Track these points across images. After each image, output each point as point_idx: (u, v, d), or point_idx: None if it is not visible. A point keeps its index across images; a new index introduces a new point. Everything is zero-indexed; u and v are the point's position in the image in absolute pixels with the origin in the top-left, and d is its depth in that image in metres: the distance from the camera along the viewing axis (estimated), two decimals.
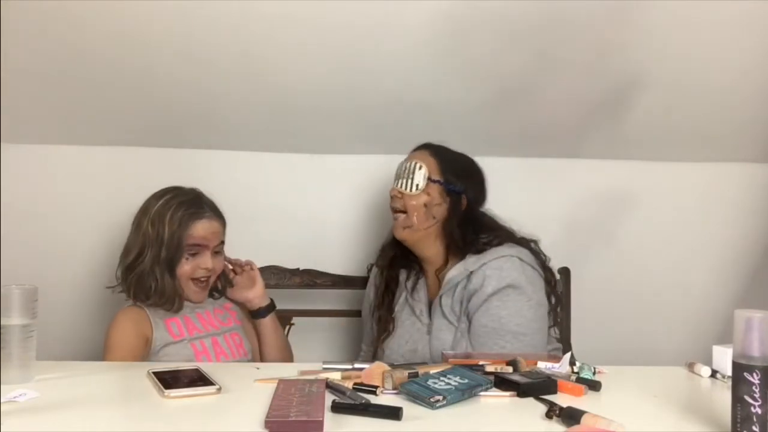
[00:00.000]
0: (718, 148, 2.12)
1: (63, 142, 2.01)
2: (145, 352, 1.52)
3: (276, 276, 2.01)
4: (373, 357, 1.67)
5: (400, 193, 1.64)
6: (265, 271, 2.01)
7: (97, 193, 2.07)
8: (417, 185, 1.62)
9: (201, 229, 1.56)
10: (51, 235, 2.05)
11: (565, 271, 1.96)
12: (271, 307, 1.69)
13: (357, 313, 2.07)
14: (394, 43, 1.73)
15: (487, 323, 1.53)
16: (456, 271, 1.59)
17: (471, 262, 1.58)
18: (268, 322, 1.68)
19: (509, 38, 1.71)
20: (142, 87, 1.85)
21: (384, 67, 1.80)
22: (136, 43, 1.71)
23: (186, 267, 1.56)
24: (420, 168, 1.62)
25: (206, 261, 1.58)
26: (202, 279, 1.59)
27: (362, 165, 2.15)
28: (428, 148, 1.69)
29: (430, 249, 1.66)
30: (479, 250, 1.60)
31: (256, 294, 1.66)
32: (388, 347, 1.65)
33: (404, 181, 1.63)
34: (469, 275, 1.57)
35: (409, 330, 1.63)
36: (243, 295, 1.66)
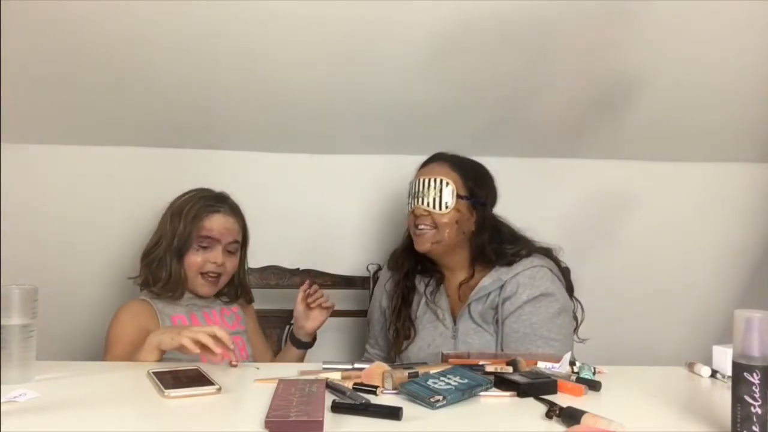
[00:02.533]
0: (718, 148, 2.13)
1: (63, 142, 2.01)
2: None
3: (276, 276, 2.01)
4: (392, 362, 1.68)
5: (427, 211, 1.61)
6: (265, 271, 2.02)
7: (97, 193, 2.07)
8: (446, 204, 1.60)
9: (214, 222, 1.61)
10: (51, 235, 2.05)
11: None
12: (310, 344, 1.72)
13: (357, 313, 2.07)
14: (394, 44, 1.73)
15: (519, 329, 1.56)
16: (489, 280, 1.61)
17: (503, 272, 1.61)
18: (296, 352, 1.71)
19: (509, 39, 1.71)
20: (142, 87, 1.85)
21: (384, 67, 1.80)
22: (136, 43, 1.71)
23: (196, 258, 1.60)
24: (447, 185, 1.60)
25: (216, 256, 1.60)
26: (212, 274, 1.61)
27: (362, 165, 2.16)
28: (446, 160, 1.66)
29: (455, 257, 1.67)
30: (509, 262, 1.62)
31: (312, 327, 1.67)
32: (409, 351, 1.66)
33: (431, 199, 1.60)
34: (503, 285, 1.59)
35: (432, 334, 1.64)
36: (302, 321, 1.67)
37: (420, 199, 1.62)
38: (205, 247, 1.60)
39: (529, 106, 1.96)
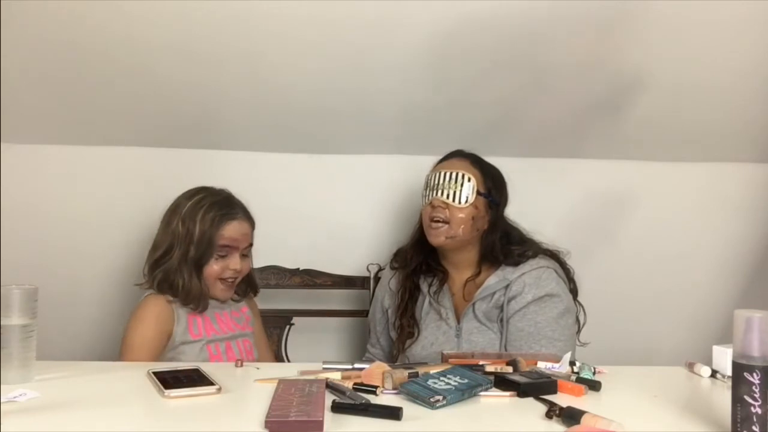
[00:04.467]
0: (718, 148, 2.13)
1: (63, 142, 2.01)
2: (164, 348, 1.52)
3: (276, 276, 2.01)
4: (394, 361, 1.69)
5: (445, 203, 1.61)
6: (265, 271, 2.02)
7: (97, 193, 2.07)
8: (466, 198, 1.60)
9: (232, 230, 1.57)
10: (51, 235, 2.05)
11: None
12: None
13: (357, 313, 2.07)
14: (394, 44, 1.73)
15: (524, 327, 1.57)
16: (495, 279, 1.62)
17: (509, 271, 1.62)
18: None
19: (509, 39, 1.71)
20: (142, 87, 1.85)
21: (384, 67, 1.80)
22: (136, 42, 1.71)
23: (215, 267, 1.56)
24: (469, 180, 1.61)
25: (235, 262, 1.58)
26: (230, 279, 1.59)
27: (363, 165, 2.16)
28: (466, 157, 1.67)
29: (464, 255, 1.68)
30: (516, 262, 1.63)
31: None
32: (412, 349, 1.66)
33: (451, 192, 1.61)
34: (508, 284, 1.60)
35: (435, 333, 1.65)
36: None
37: (439, 191, 1.62)
38: (223, 256, 1.57)
39: (530, 106, 1.96)
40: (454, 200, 1.61)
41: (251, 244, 1.64)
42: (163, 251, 1.55)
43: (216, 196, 1.61)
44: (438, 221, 1.62)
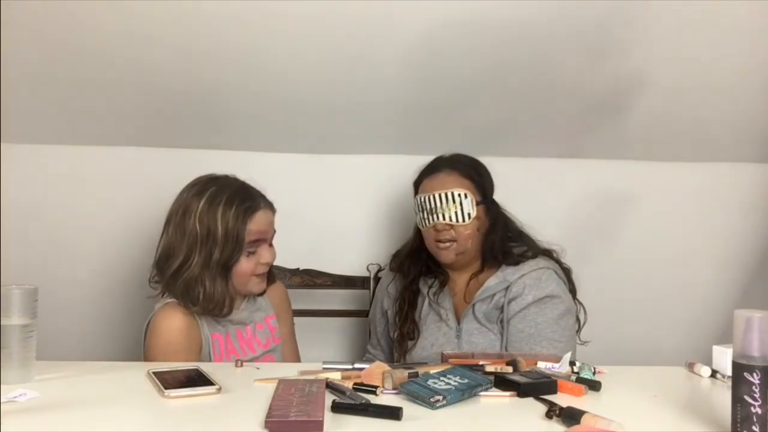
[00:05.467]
0: (718, 148, 2.12)
1: (63, 142, 2.01)
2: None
3: (276, 276, 2.01)
4: (395, 362, 1.68)
5: (450, 225, 1.61)
6: None
7: (97, 193, 2.07)
8: (469, 215, 1.60)
9: (258, 222, 1.47)
10: (50, 235, 2.05)
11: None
12: None
13: (357, 313, 2.07)
14: (394, 44, 1.72)
15: (524, 329, 1.57)
16: (495, 280, 1.62)
17: (509, 272, 1.62)
18: None
19: (509, 38, 1.71)
20: (142, 87, 1.85)
21: (384, 67, 1.80)
22: (136, 42, 1.70)
23: (248, 265, 1.47)
24: (466, 197, 1.60)
25: (265, 255, 1.50)
26: (263, 272, 1.52)
27: (363, 165, 2.15)
28: (452, 167, 1.65)
29: (469, 258, 1.67)
30: (516, 262, 1.63)
31: None
32: (413, 351, 1.66)
33: (452, 213, 1.59)
34: (508, 285, 1.60)
35: (435, 334, 1.65)
36: None
37: (440, 215, 1.60)
38: (252, 252, 1.48)
39: (530, 106, 1.96)
40: (458, 220, 1.60)
41: (275, 231, 1.56)
42: (183, 258, 1.42)
43: (230, 188, 1.48)
44: (445, 242, 1.62)
